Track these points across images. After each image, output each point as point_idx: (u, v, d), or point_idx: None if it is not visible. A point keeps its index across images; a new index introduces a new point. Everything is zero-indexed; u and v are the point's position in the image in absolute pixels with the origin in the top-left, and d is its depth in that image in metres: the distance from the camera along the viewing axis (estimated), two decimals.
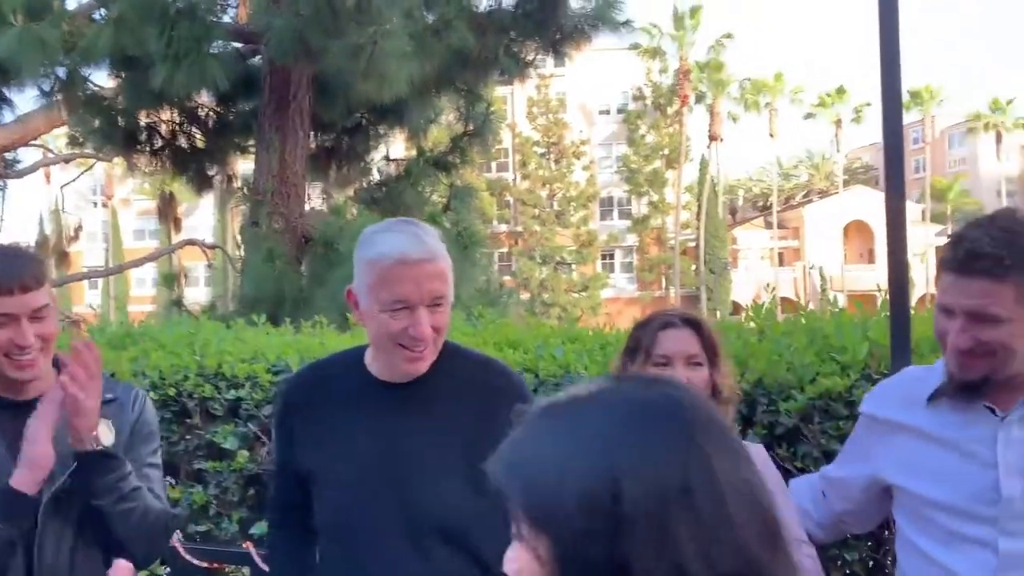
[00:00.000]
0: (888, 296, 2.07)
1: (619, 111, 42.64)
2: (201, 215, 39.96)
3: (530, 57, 9.54)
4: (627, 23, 9.12)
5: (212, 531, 3.17)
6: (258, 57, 8.90)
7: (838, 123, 53.59)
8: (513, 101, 38.97)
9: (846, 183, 54.26)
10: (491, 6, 9.02)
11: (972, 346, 1.56)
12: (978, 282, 1.53)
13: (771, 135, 49.81)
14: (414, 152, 10.51)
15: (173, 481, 3.26)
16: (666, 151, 41.44)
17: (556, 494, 0.70)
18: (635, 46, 36.92)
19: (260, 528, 3.09)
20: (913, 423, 1.73)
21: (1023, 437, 1.59)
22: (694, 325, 1.90)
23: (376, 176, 10.77)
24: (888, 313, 2.49)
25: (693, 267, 42.08)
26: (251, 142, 9.41)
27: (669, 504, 0.68)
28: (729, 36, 43.11)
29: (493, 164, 39.60)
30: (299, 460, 1.76)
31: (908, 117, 58.94)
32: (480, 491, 1.53)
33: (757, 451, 1.97)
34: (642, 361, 1.88)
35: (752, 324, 2.94)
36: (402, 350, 1.66)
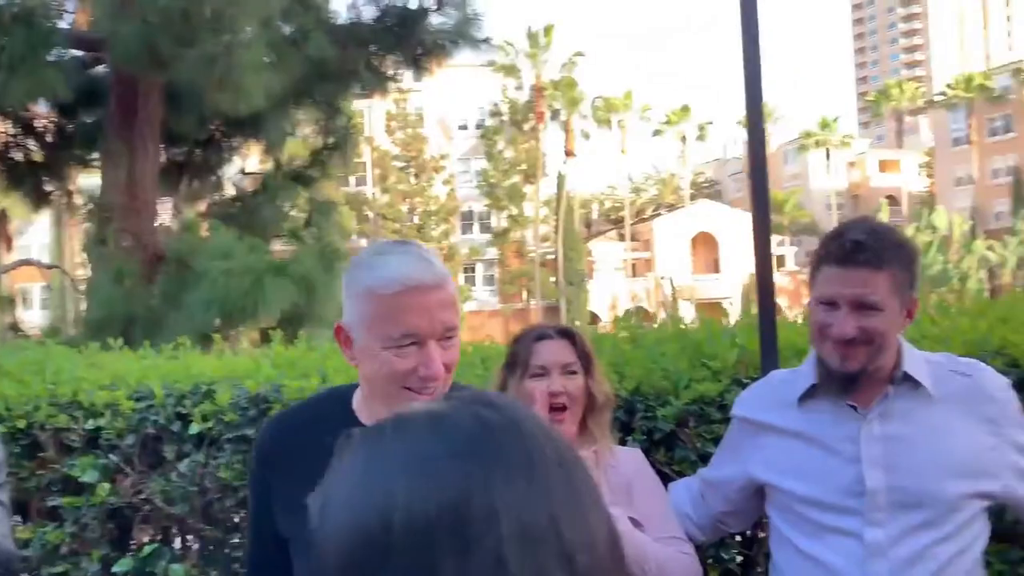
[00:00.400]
0: (757, 303, 2.19)
1: (477, 126, 43.09)
2: (35, 233, 37.24)
3: (390, 71, 9.52)
4: (486, 40, 9.27)
5: (70, 572, 2.95)
6: (103, 66, 8.42)
7: (683, 140, 56.29)
8: (371, 115, 38.62)
9: (692, 197, 57.02)
10: (351, 19, 8.94)
11: (856, 335, 1.66)
12: (861, 272, 1.65)
13: (622, 151, 51.69)
14: (270, 166, 10.25)
15: (21, 520, 3.01)
16: (524, 166, 42.20)
17: (341, 524, 0.65)
18: (491, 63, 37.45)
19: (123, 565, 2.91)
20: (782, 423, 1.83)
21: (883, 432, 1.72)
22: (568, 336, 1.96)
23: (230, 190, 10.42)
24: (737, 320, 2.64)
25: (552, 279, 42.97)
26: (95, 156, 8.88)
27: (438, 539, 0.62)
28: (580, 55, 44.49)
29: (352, 178, 39.06)
30: (278, 524, 1.51)
31: (747, 134, 62.54)
32: None
33: (635, 455, 2.03)
34: (520, 373, 1.92)
35: (624, 333, 3.03)
36: (408, 394, 1.41)
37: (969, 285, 34.77)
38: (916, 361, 1.74)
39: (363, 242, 39.24)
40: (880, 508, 1.69)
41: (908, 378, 1.72)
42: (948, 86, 59.87)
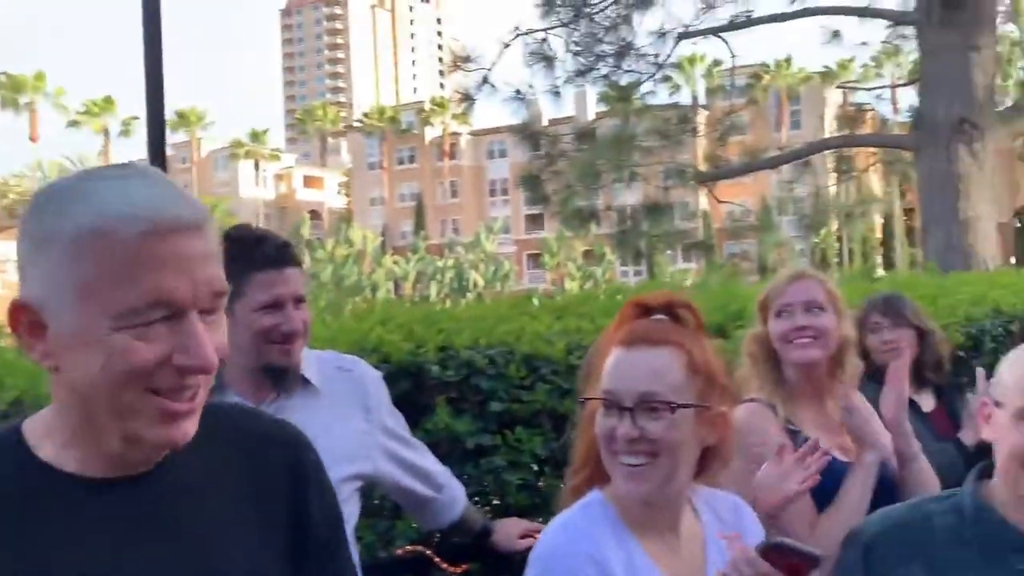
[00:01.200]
0: None
1: None
2: None
3: None
4: None
5: None
6: None
7: (106, 133, 52.40)
8: None
9: None
10: None
11: (301, 327, 1.85)
12: (294, 270, 1.86)
13: (32, 138, 45.98)
14: None
15: None
16: None
17: None
18: None
19: None
20: None
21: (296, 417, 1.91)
22: None
23: None
24: None
25: None
26: None
27: None
28: None
29: None
30: None
31: (175, 137, 60.96)
32: None
33: None
34: None
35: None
36: (157, 401, 0.90)
37: (380, 295, 38.94)
38: (307, 360, 1.93)
39: None
40: None
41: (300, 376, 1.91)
42: (365, 115, 66.34)
